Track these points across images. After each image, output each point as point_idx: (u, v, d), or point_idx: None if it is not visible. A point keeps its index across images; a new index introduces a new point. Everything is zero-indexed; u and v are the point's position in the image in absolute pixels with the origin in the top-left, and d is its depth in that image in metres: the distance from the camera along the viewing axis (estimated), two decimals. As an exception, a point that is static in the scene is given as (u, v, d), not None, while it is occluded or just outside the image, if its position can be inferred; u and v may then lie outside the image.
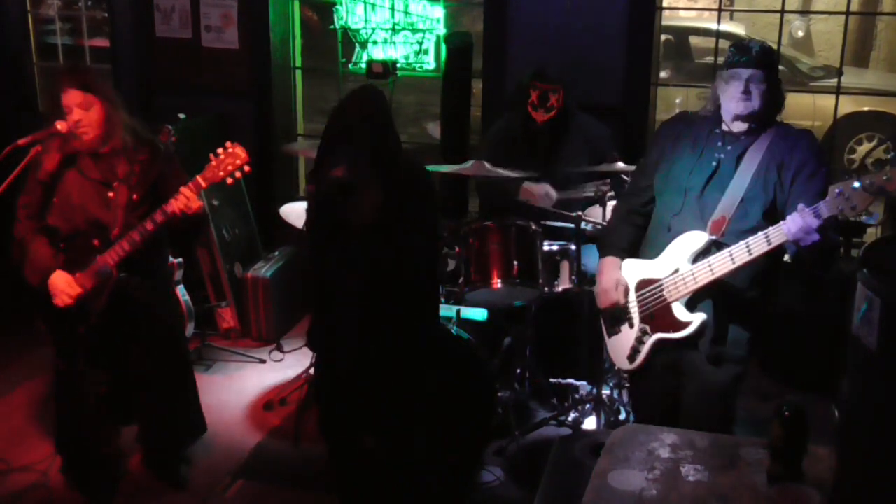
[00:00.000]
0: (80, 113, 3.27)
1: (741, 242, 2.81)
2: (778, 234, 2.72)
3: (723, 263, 2.85)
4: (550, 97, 4.13)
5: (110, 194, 3.34)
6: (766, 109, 2.92)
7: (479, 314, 4.00)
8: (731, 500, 2.11)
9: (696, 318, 2.95)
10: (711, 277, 2.89)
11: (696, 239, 2.94)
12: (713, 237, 2.91)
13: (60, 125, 3.25)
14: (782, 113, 3.02)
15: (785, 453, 2.13)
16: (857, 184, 2.52)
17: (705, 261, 2.90)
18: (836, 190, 2.56)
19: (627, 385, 4.12)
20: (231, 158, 3.30)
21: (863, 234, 4.50)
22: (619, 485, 2.18)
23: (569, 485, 2.64)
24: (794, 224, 2.65)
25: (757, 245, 2.78)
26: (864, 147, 7.97)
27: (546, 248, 3.88)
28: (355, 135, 2.96)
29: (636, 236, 3.22)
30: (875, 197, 2.52)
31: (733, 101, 2.91)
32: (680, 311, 2.98)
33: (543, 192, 4.09)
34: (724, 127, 2.98)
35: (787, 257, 2.96)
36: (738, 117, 2.93)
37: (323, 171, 3.01)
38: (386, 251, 3.02)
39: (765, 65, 2.90)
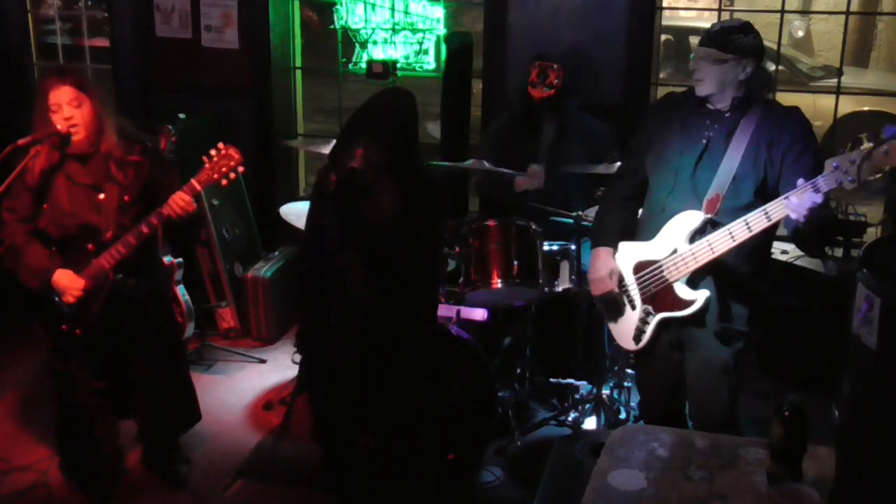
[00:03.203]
0: (71, 110, 3.22)
1: (740, 219, 2.81)
2: (778, 209, 2.72)
3: (723, 241, 2.85)
4: (550, 74, 4.16)
5: (101, 197, 3.30)
6: (723, 92, 2.90)
7: (479, 314, 4.00)
8: (731, 500, 2.12)
9: (701, 296, 2.96)
10: (712, 256, 2.89)
11: (692, 218, 2.95)
12: (709, 216, 2.92)
13: (61, 125, 3.23)
14: None
15: (785, 453, 2.13)
16: (853, 157, 2.52)
17: (704, 239, 2.90)
18: (834, 164, 2.56)
19: (627, 384, 4.13)
20: (225, 160, 3.29)
21: (863, 234, 4.50)
22: (619, 485, 2.18)
23: (569, 485, 2.64)
24: (796, 200, 2.63)
25: (756, 221, 2.78)
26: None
27: (546, 248, 3.88)
28: (376, 129, 2.97)
29: (628, 221, 3.24)
30: (873, 169, 2.50)
31: (693, 81, 2.95)
32: (683, 290, 2.99)
33: (531, 171, 4.10)
34: (710, 105, 2.98)
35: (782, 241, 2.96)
36: (700, 97, 2.94)
37: (340, 159, 3.01)
38: (395, 254, 3.03)
39: (717, 43, 2.86)
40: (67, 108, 3.22)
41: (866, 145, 2.51)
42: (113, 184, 3.31)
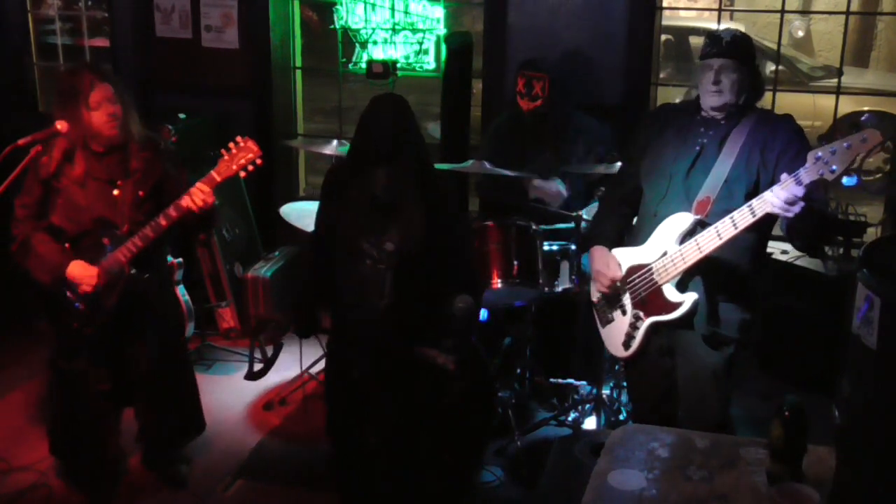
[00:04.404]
0: (113, 107, 3.27)
1: (726, 217, 2.82)
2: (762, 204, 2.72)
3: (710, 240, 2.86)
4: (535, 85, 4.14)
5: (116, 192, 3.33)
6: (739, 99, 2.94)
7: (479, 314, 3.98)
8: (731, 500, 2.12)
9: (689, 298, 2.97)
10: (700, 255, 2.90)
11: (682, 220, 2.96)
12: (698, 217, 2.93)
13: (61, 125, 3.22)
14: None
15: (785, 453, 2.13)
16: (833, 147, 2.53)
17: (692, 240, 2.91)
18: (816, 155, 2.57)
19: (626, 384, 4.13)
20: (244, 153, 3.30)
21: (863, 234, 4.50)
22: (619, 485, 2.18)
23: (569, 485, 2.64)
24: (778, 194, 2.65)
25: (741, 218, 2.78)
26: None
27: (546, 248, 3.88)
28: (391, 154, 2.96)
29: (623, 226, 3.26)
30: (853, 158, 2.52)
31: (706, 93, 2.96)
32: (671, 293, 3.00)
33: (555, 190, 4.09)
34: (705, 113, 3.01)
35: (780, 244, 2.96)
36: (713, 108, 2.97)
37: (359, 192, 3.01)
38: (429, 272, 3.05)
39: (735, 54, 2.91)
40: (108, 105, 3.26)
41: (846, 136, 2.52)
42: (128, 179, 3.34)
